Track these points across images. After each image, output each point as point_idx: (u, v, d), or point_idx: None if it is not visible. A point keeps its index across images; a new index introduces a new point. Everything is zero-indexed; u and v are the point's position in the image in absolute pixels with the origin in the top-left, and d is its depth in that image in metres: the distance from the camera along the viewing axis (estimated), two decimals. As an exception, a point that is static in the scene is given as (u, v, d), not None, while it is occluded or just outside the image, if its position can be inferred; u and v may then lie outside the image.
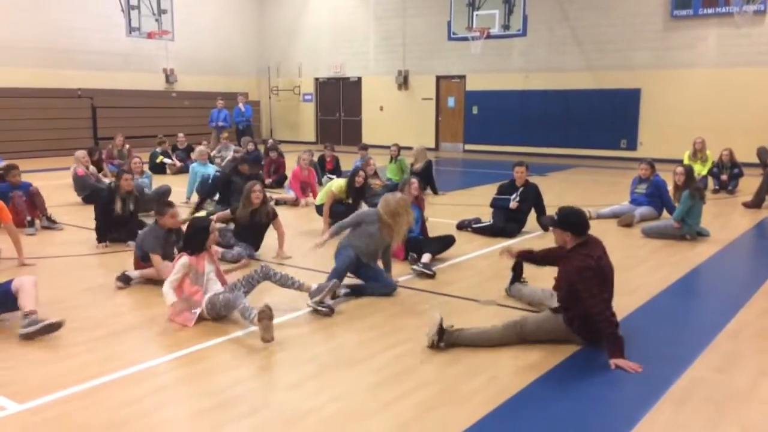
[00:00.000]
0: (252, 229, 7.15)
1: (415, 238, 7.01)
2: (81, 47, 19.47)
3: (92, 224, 7.97)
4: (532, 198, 8.57)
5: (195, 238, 5.26)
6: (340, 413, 3.69)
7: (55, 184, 12.07)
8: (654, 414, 3.71)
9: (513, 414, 3.72)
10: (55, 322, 4.74)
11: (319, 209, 8.71)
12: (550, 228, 4.92)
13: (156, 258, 6.00)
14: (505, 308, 5.53)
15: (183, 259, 5.16)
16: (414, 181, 7.28)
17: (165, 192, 9.96)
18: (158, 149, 15.05)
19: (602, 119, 18.70)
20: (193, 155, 13.31)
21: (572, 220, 4.66)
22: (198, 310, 5.06)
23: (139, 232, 6.64)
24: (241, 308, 4.81)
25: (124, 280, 6.05)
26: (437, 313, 4.71)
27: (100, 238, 7.69)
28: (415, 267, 6.51)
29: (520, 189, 8.58)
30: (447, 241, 7.20)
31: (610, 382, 4.15)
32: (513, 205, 8.45)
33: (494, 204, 8.72)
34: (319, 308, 5.30)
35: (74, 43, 19.31)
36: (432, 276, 6.41)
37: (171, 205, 6.30)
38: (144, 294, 5.90)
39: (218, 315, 5.07)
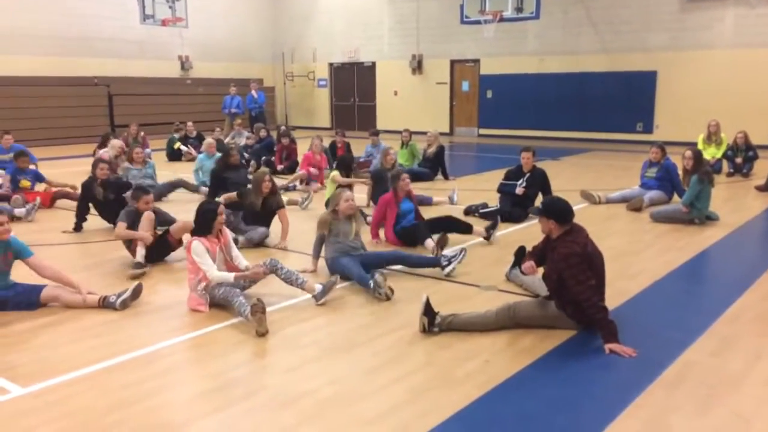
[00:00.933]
0: (262, 215, 7.34)
1: (407, 227, 7.14)
2: (97, 35, 19.64)
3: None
4: (539, 184, 8.56)
5: (202, 220, 5.37)
6: (335, 396, 3.77)
7: (71, 171, 12.24)
8: (644, 397, 3.74)
9: (505, 397, 3.77)
10: (135, 288, 5.32)
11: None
12: (537, 218, 4.92)
13: (121, 224, 6.48)
14: (505, 293, 5.57)
15: (196, 244, 5.20)
16: (405, 175, 7.31)
17: (177, 184, 10.21)
18: (176, 135, 15.19)
19: (618, 102, 18.53)
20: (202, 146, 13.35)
21: (556, 208, 4.68)
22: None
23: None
24: (236, 305, 4.91)
25: (139, 266, 6.22)
26: (424, 294, 4.76)
27: (76, 227, 7.97)
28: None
29: (527, 175, 8.57)
30: (446, 224, 7.27)
31: (603, 366, 4.19)
32: (519, 191, 8.45)
33: (501, 189, 8.73)
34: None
35: (90, 30, 19.48)
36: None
37: (147, 192, 6.75)
38: (154, 280, 6.02)
39: (218, 304, 5.18)
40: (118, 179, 8.67)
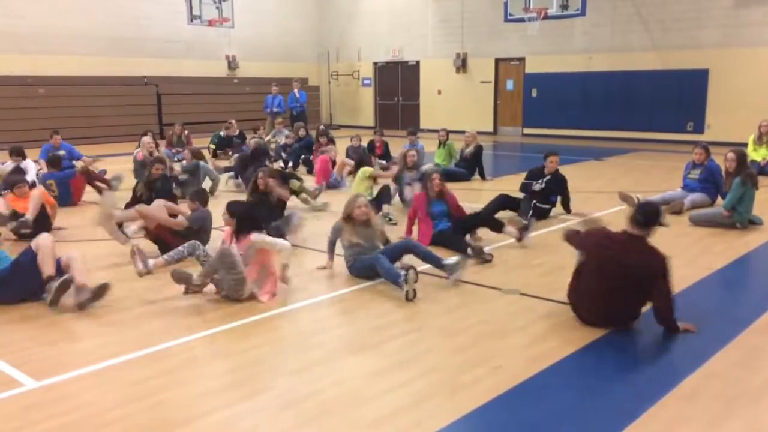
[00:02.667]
0: (270, 212, 7.44)
1: (442, 231, 7.04)
2: (147, 35, 20.10)
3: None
4: (559, 188, 8.51)
5: (244, 223, 5.49)
6: (337, 398, 3.75)
7: (119, 168, 12.53)
8: (657, 408, 3.60)
9: (508, 405, 3.68)
10: (101, 285, 5.22)
11: None
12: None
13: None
14: (527, 297, 5.46)
15: (255, 234, 5.43)
16: (436, 176, 7.18)
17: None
18: (221, 133, 15.33)
19: (668, 101, 17.99)
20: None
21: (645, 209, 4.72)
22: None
23: None
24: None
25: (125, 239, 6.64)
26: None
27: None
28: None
29: (547, 176, 8.48)
30: (477, 221, 7.28)
31: (619, 375, 4.05)
32: (537, 187, 8.39)
33: (523, 189, 8.64)
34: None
35: (141, 31, 19.94)
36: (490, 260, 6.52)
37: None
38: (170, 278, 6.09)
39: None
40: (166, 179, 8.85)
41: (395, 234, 7.03)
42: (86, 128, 18.18)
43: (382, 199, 8.64)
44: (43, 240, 5.34)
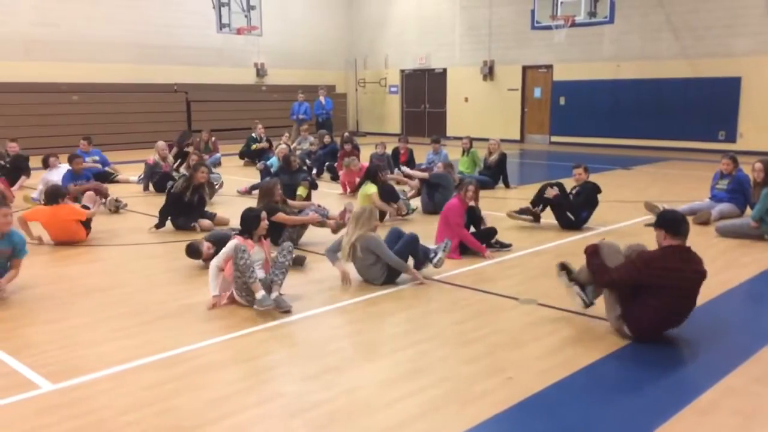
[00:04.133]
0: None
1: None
2: (176, 43, 20.40)
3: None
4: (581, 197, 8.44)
5: (246, 225, 5.56)
6: (346, 407, 3.74)
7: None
8: (671, 423, 3.53)
9: (517, 417, 3.64)
10: None
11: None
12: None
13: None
14: (544, 308, 5.40)
15: (234, 242, 5.39)
16: (471, 187, 7.07)
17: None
18: (254, 134, 15.46)
19: (698, 110, 17.73)
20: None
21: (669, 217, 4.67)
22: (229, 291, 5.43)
23: None
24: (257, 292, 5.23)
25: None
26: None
27: (160, 224, 8.22)
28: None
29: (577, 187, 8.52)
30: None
31: (634, 389, 3.98)
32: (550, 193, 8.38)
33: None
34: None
35: (170, 39, 20.25)
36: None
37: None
38: (195, 284, 6.17)
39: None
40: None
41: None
42: (117, 134, 18.49)
43: (387, 198, 8.78)
44: None
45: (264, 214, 5.73)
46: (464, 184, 7.25)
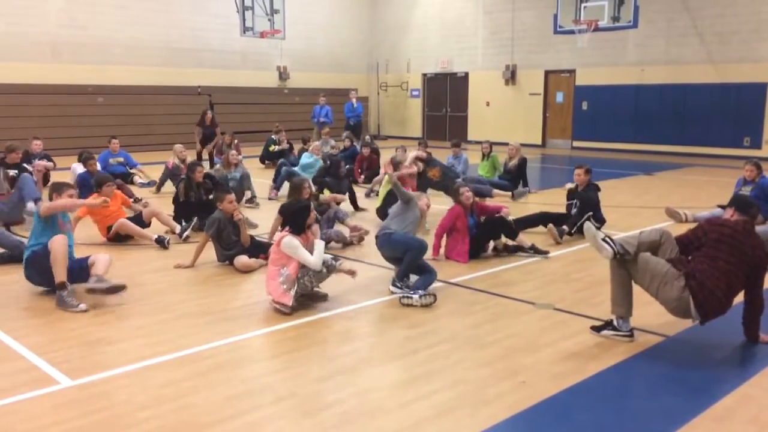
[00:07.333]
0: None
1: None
2: (201, 46, 20.63)
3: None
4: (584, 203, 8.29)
5: (297, 218, 5.50)
6: (358, 408, 3.76)
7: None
8: (686, 430, 3.50)
9: (529, 421, 3.64)
10: (118, 284, 5.43)
11: (379, 212, 8.79)
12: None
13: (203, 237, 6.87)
14: (561, 312, 5.38)
15: (291, 239, 5.31)
16: (465, 189, 7.10)
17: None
18: (274, 137, 15.59)
19: (723, 115, 17.53)
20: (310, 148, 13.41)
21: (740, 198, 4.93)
22: (293, 290, 5.28)
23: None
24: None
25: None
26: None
27: (181, 232, 8.14)
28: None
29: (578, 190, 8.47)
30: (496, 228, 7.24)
31: (649, 394, 3.96)
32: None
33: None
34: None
35: (196, 42, 20.48)
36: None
37: (229, 192, 7.04)
38: (214, 284, 6.24)
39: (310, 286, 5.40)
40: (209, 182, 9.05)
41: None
42: (142, 136, 18.72)
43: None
44: (56, 243, 5.45)
45: (312, 204, 5.82)
46: (458, 186, 7.32)
